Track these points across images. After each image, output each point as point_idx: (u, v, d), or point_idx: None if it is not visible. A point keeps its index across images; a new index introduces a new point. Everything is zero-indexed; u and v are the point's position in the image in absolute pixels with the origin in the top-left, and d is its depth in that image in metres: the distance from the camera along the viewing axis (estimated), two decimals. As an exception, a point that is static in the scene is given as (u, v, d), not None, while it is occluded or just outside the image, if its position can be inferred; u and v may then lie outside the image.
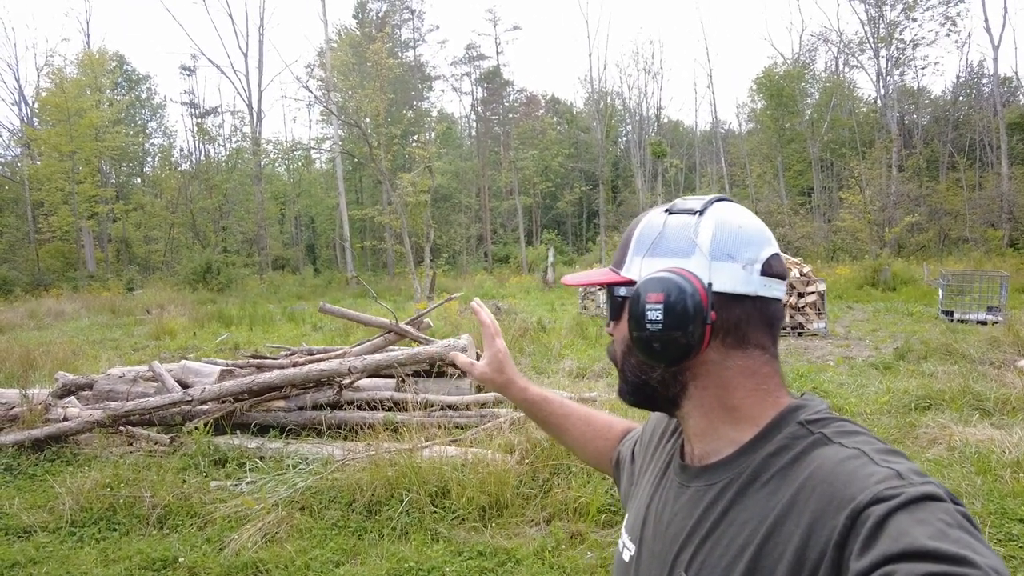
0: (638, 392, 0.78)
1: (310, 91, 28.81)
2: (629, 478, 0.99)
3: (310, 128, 39.04)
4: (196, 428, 4.74)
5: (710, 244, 0.72)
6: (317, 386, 4.97)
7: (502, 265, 33.90)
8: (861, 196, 21.88)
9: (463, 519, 3.55)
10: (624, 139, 47.28)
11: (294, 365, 5.26)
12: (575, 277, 0.84)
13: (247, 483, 4.13)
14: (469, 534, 3.44)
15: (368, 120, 23.77)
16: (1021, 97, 34.49)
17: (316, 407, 4.98)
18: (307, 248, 39.56)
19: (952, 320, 11.03)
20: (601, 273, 0.81)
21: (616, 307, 0.79)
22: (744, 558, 0.64)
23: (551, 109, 47.43)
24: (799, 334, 10.44)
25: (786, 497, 0.64)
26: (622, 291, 0.77)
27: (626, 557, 0.84)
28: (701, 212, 0.74)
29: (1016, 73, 35.93)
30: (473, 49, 44.04)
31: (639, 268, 0.75)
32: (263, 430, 5.00)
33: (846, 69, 38.24)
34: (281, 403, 5.06)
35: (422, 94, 42.91)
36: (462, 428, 4.61)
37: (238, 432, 4.97)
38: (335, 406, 4.93)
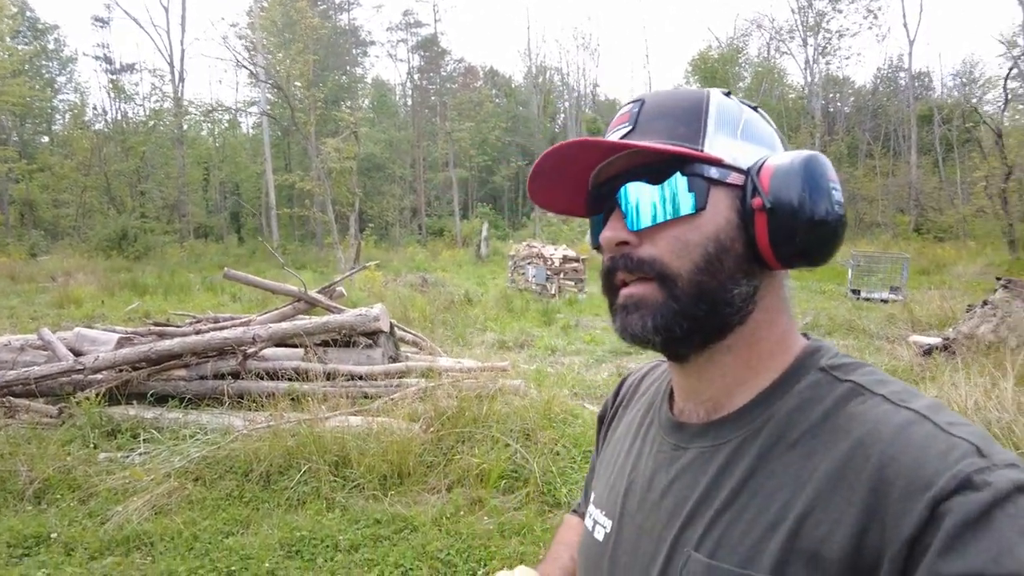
0: (707, 315, 0.59)
1: (231, 51, 27.36)
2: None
3: (237, 90, 37.20)
4: (87, 398, 4.48)
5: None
6: (220, 355, 4.77)
7: (436, 238, 33.46)
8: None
9: (363, 488, 3.49)
10: (562, 115, 47.39)
11: (197, 333, 5.04)
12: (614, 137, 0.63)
13: (139, 454, 3.94)
14: (368, 503, 3.39)
15: (298, 84, 22.81)
16: (933, 92, 36.53)
17: (218, 376, 4.79)
18: (231, 216, 37.87)
19: (859, 298, 11.67)
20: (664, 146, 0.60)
21: (701, 191, 0.60)
22: (777, 536, 0.53)
23: (490, 81, 46.95)
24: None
25: (830, 465, 0.53)
26: (713, 171, 0.60)
27: (600, 535, 0.72)
28: (756, 108, 0.66)
29: (928, 69, 37.85)
30: (410, 15, 43.00)
31: (731, 150, 0.61)
32: (161, 400, 4.77)
33: (777, 55, 39.50)
34: (182, 372, 4.85)
35: (356, 59, 41.61)
36: (370, 398, 4.53)
37: (134, 402, 4.72)
38: (237, 375, 4.75)
